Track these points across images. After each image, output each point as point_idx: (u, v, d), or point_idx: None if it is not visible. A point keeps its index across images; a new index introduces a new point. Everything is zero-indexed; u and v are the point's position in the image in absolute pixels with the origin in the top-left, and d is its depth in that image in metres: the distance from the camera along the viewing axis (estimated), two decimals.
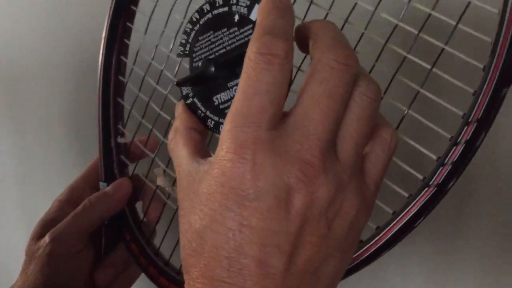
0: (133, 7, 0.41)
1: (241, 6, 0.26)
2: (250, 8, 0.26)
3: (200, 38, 0.27)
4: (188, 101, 0.27)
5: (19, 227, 0.68)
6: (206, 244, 0.22)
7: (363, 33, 0.30)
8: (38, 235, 0.40)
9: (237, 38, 0.26)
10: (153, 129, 0.40)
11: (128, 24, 0.42)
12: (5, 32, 0.63)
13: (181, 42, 0.28)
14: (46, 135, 0.63)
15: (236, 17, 0.26)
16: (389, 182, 0.29)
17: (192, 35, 0.28)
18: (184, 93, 0.28)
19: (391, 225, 0.28)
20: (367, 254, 0.29)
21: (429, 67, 0.28)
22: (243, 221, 0.22)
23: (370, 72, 0.29)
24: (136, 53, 0.41)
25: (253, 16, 0.26)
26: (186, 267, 0.24)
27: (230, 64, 0.26)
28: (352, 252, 0.25)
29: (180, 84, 0.27)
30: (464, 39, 0.27)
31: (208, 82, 0.26)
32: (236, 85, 0.26)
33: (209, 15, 0.27)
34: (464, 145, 0.26)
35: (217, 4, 0.27)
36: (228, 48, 0.26)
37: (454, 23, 0.27)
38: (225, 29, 0.26)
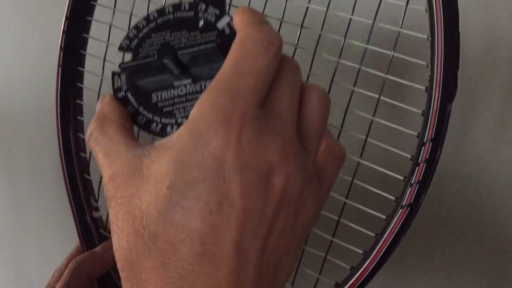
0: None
1: (209, 14, 0.25)
2: (218, 17, 0.25)
3: (153, 35, 0.25)
4: (119, 95, 0.25)
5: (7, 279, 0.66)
6: (170, 226, 0.20)
7: (309, 74, 0.32)
8: None
9: (197, 41, 0.24)
10: None
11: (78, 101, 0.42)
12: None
13: (128, 36, 0.25)
14: (39, 184, 0.61)
15: (201, 23, 0.25)
16: (366, 208, 0.31)
17: (144, 31, 0.25)
18: (116, 86, 0.25)
19: (376, 249, 0.30)
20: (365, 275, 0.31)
21: (376, 96, 0.30)
22: (223, 198, 0.20)
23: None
24: None
25: (220, 24, 0.25)
26: (132, 270, 0.21)
27: (190, 60, 0.24)
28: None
29: (122, 67, 0.24)
30: (403, 65, 0.30)
31: (152, 75, 0.24)
32: (184, 85, 0.24)
33: (170, 16, 0.25)
34: (425, 164, 0.28)
35: (183, 8, 0.25)
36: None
37: (390, 53, 0.29)
38: (185, 31, 0.25)
